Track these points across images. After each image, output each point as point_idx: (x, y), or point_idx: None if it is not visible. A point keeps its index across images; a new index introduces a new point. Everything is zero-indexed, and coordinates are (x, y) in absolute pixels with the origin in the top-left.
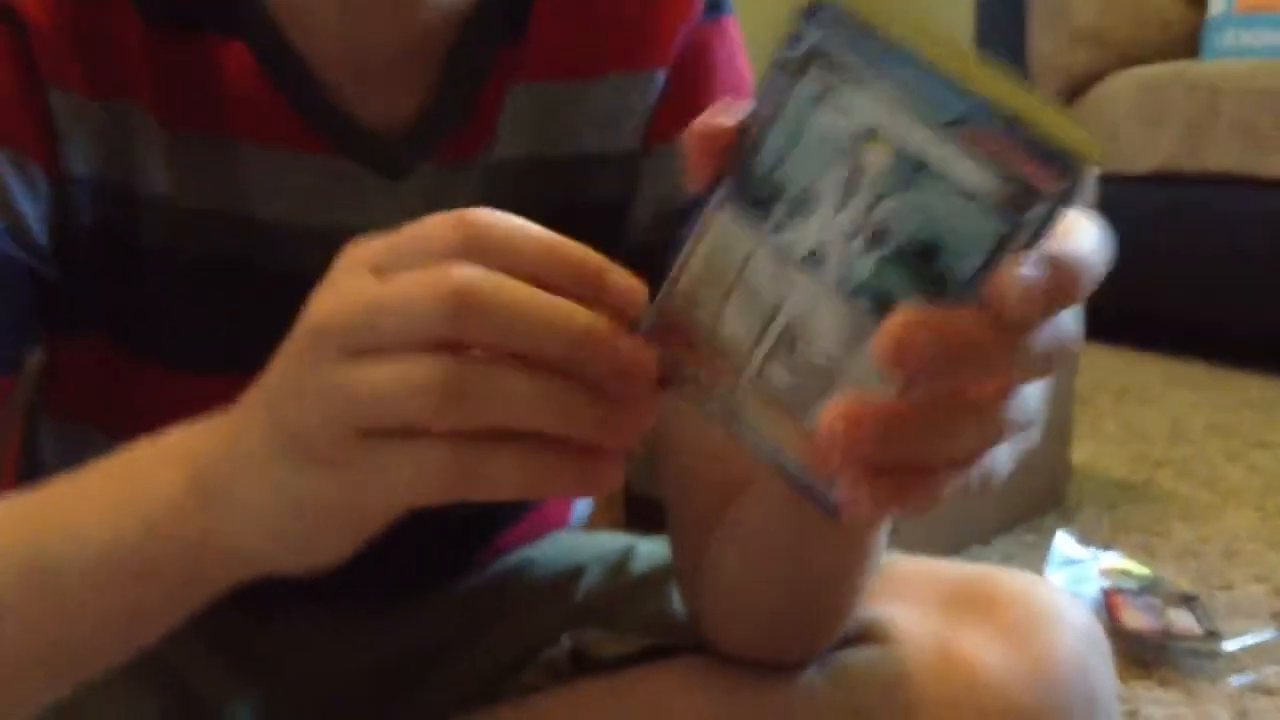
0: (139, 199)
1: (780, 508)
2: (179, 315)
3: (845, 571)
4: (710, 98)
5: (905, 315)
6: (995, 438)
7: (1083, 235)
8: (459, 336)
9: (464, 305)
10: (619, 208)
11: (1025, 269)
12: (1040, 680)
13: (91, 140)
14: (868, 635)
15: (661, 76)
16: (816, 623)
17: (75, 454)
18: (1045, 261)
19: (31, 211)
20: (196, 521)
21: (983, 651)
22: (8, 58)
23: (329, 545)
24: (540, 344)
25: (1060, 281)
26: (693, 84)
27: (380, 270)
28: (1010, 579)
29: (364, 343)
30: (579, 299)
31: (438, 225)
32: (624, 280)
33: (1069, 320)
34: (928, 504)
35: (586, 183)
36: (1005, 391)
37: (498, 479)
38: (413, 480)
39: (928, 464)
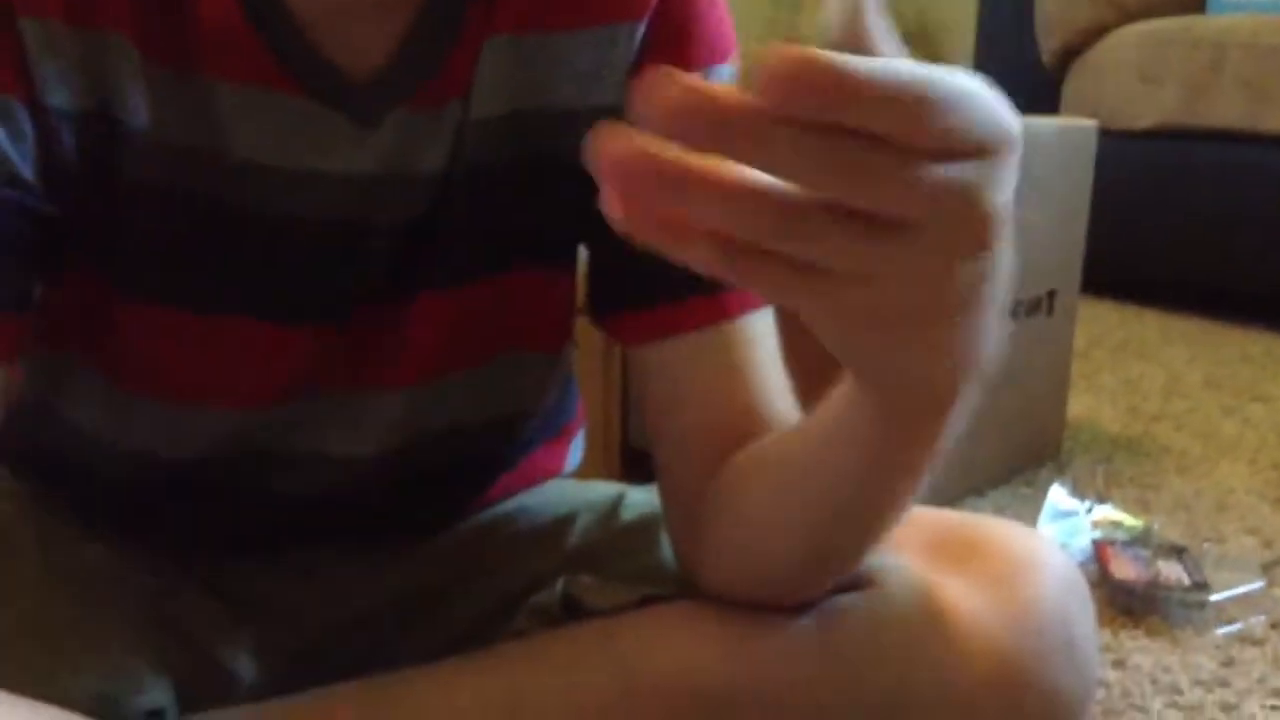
0: (119, 131)
1: (834, 433)
2: (156, 249)
3: (883, 506)
4: (693, 49)
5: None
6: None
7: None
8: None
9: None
10: None
11: (772, 55)
12: (1021, 626)
13: (70, 70)
14: (855, 580)
15: (642, 29)
16: (839, 563)
17: (54, 381)
18: (793, 54)
19: (16, 149)
20: None
21: (966, 598)
22: None
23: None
24: None
25: (813, 76)
26: (672, 36)
27: None
28: (994, 527)
29: None
30: None
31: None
32: None
33: (955, 171)
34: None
35: (566, 137)
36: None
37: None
38: None
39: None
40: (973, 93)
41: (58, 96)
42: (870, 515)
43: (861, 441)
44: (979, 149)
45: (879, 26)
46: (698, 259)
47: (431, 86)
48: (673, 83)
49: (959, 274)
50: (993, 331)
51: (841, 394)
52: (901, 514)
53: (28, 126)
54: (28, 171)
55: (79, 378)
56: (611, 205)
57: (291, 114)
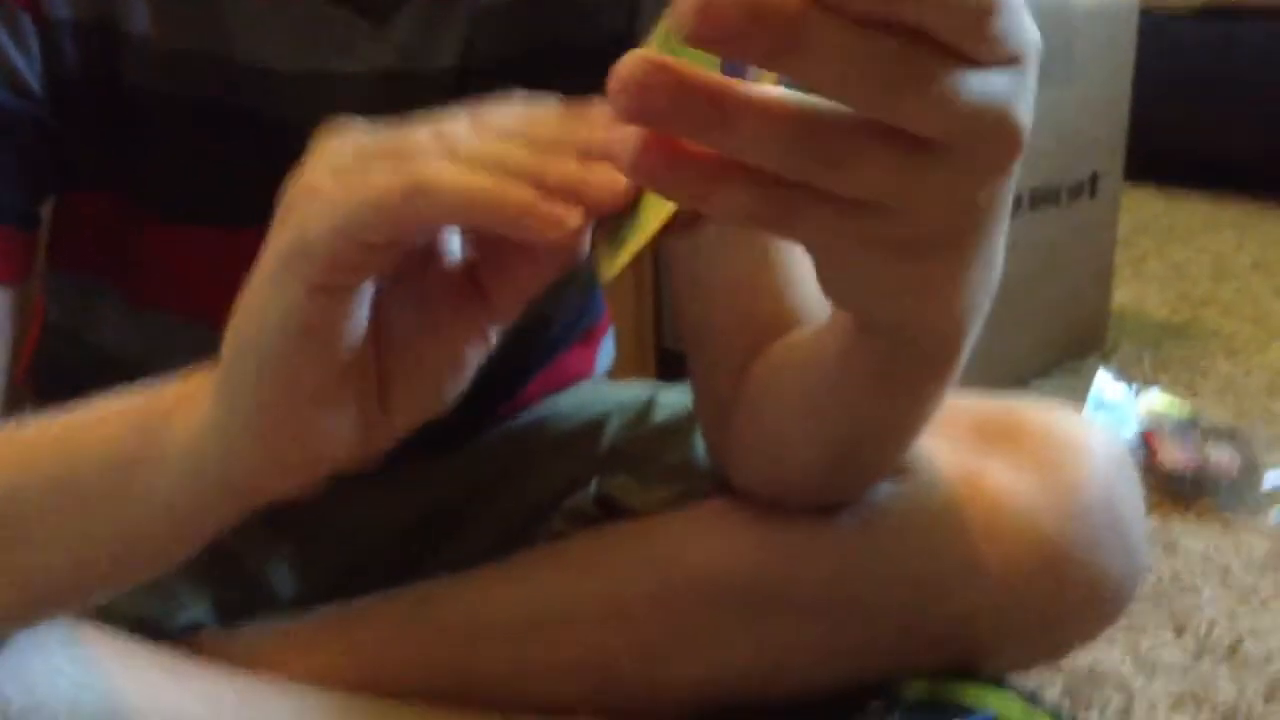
0: (122, 40)
1: (847, 359)
2: (169, 163)
3: (903, 426)
4: None
5: None
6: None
7: None
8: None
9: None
10: (617, 45)
11: None
12: (1067, 509)
13: None
14: (896, 468)
15: None
16: (862, 475)
17: (79, 305)
18: None
19: (24, 61)
20: (215, 471)
21: (1010, 481)
22: None
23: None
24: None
25: None
26: None
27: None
28: (1037, 410)
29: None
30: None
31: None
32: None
33: (985, 81)
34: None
35: (581, 21)
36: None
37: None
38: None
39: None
40: None
41: (62, 7)
42: (889, 432)
43: (871, 372)
44: (1017, 57)
45: None
46: (728, 203)
47: None
48: None
49: (985, 199)
50: (998, 265)
51: (844, 329)
52: (924, 426)
53: (33, 38)
54: (35, 84)
55: (104, 300)
56: (627, 151)
57: (303, 15)
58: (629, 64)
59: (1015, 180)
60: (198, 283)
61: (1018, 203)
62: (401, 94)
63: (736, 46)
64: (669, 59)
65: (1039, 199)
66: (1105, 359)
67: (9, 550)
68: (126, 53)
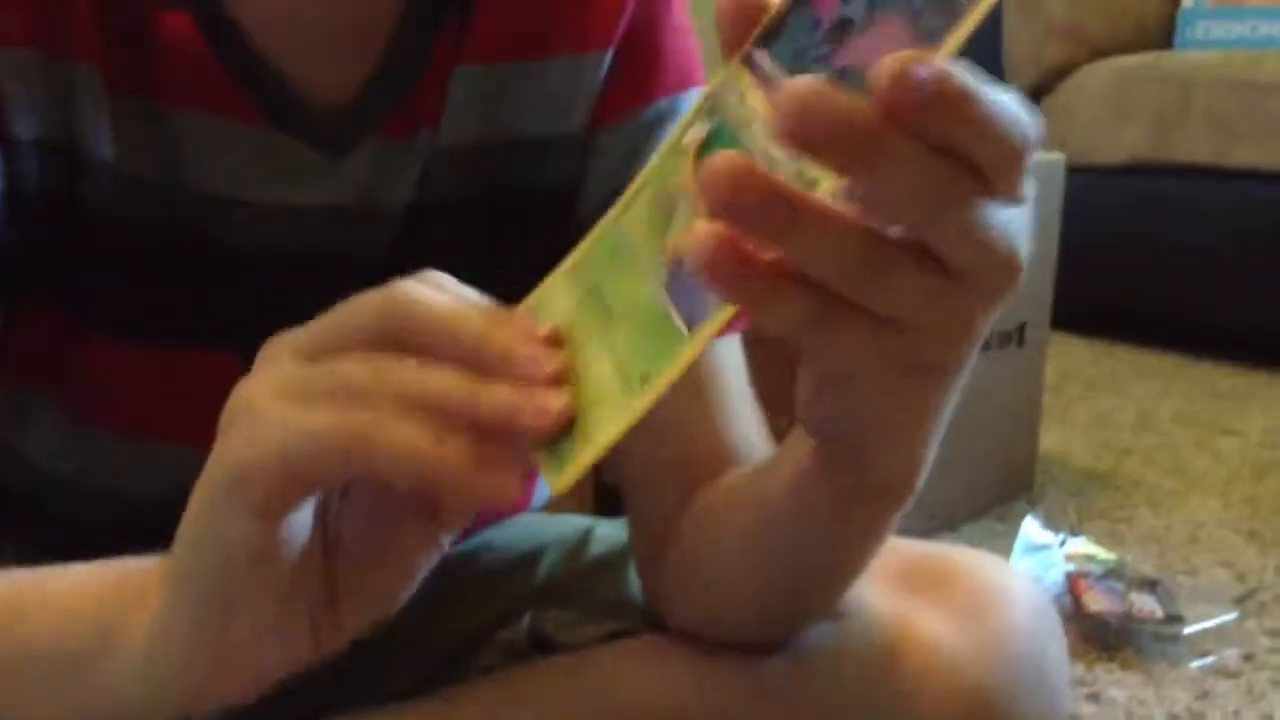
0: (83, 164)
1: (800, 501)
2: (120, 285)
3: (845, 570)
4: (660, 76)
5: (806, 83)
6: (885, 267)
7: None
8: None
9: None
10: (569, 190)
11: (912, 62)
12: (994, 657)
13: (38, 101)
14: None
15: (608, 57)
16: (799, 618)
17: (16, 417)
18: (936, 67)
19: None
20: (166, 679)
21: (938, 628)
22: None
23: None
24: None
25: (948, 91)
26: (640, 63)
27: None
28: (964, 557)
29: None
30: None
31: (361, 309)
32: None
33: (1003, 214)
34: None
35: (534, 165)
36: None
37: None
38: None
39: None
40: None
41: (24, 127)
42: (831, 576)
43: (826, 515)
44: (1025, 196)
45: None
46: (786, 309)
47: (400, 117)
48: (806, 87)
49: (982, 322)
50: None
51: (799, 468)
52: (862, 570)
53: None
54: None
55: (41, 414)
56: (702, 245)
57: (259, 146)
58: (722, 162)
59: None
60: (139, 401)
61: None
62: (355, 229)
63: (819, 153)
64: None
65: None
66: (1032, 504)
67: None
68: (86, 175)
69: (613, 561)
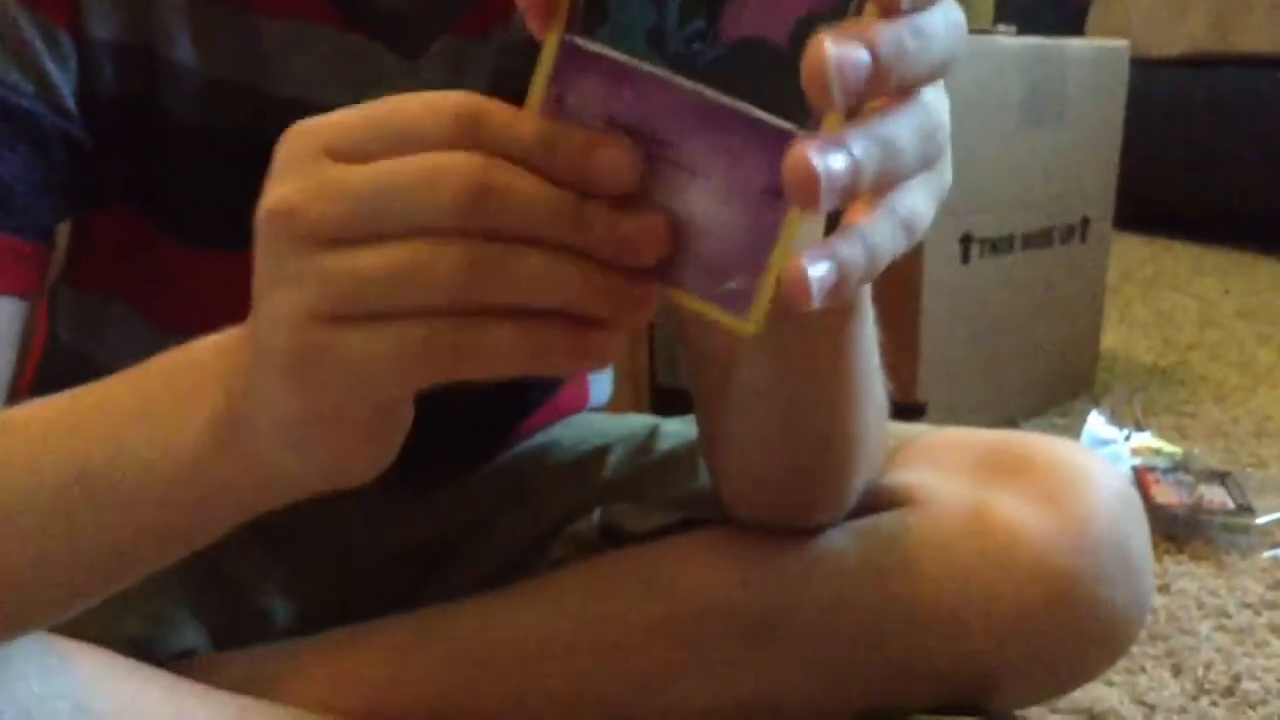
0: (161, 66)
1: (769, 364)
2: (200, 189)
3: (841, 421)
4: None
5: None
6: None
7: None
8: (469, 227)
9: (482, 200)
10: None
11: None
12: (1075, 541)
13: (114, 3)
14: (900, 500)
15: None
16: (825, 479)
17: (94, 326)
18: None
19: (61, 76)
20: (234, 451)
21: (1017, 513)
22: None
23: (358, 458)
24: (551, 232)
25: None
26: None
27: (350, 155)
28: (1044, 443)
29: (350, 231)
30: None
31: (427, 109)
32: (610, 157)
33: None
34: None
35: None
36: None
37: (494, 353)
38: (398, 366)
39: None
40: None
41: (102, 28)
42: (820, 425)
43: (769, 348)
44: None
45: None
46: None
47: (474, 14)
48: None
49: None
50: None
51: None
52: (857, 408)
53: (72, 56)
54: (70, 101)
55: (120, 323)
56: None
57: (337, 48)
58: (828, 47)
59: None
60: (216, 306)
61: (1010, 244)
62: None
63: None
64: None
65: (1031, 240)
66: (1095, 401)
67: (12, 538)
68: (164, 78)
69: (681, 456)
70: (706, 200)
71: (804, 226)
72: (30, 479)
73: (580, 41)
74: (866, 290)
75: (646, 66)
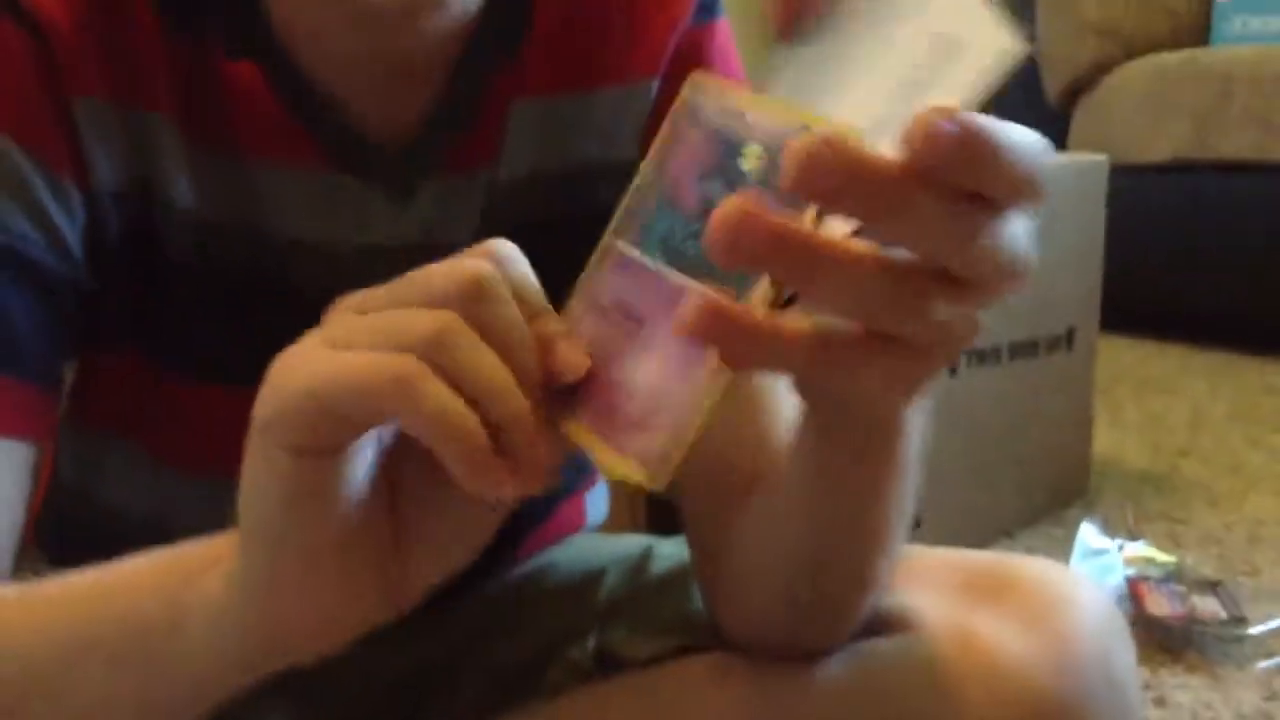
0: (162, 210)
1: (791, 498)
2: (201, 327)
3: (857, 561)
4: None
5: (819, 135)
6: (922, 316)
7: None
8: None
9: (441, 342)
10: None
11: (935, 116)
12: (1060, 663)
13: (117, 150)
14: (888, 623)
15: (656, 85)
16: (832, 620)
17: (95, 462)
18: (958, 117)
19: (68, 226)
20: (239, 633)
21: (1002, 635)
22: (33, 69)
23: (365, 590)
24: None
25: (972, 140)
26: None
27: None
28: (1027, 564)
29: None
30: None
31: (435, 278)
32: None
33: (1015, 227)
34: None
35: (589, 193)
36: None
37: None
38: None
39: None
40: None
41: (106, 178)
42: (849, 543)
43: (813, 469)
44: (1033, 206)
45: None
46: (793, 345)
47: (462, 153)
48: (824, 141)
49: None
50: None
51: (798, 437)
52: (883, 556)
53: (78, 204)
54: (76, 249)
55: (122, 459)
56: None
57: (328, 189)
58: (729, 210)
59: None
60: (218, 441)
61: (996, 355)
62: (422, 265)
63: (833, 202)
64: (762, 209)
65: (1017, 351)
66: (1088, 509)
67: (25, 703)
68: (164, 221)
69: (675, 579)
70: (647, 363)
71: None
72: (44, 639)
73: (619, 244)
74: (914, 433)
75: (651, 263)
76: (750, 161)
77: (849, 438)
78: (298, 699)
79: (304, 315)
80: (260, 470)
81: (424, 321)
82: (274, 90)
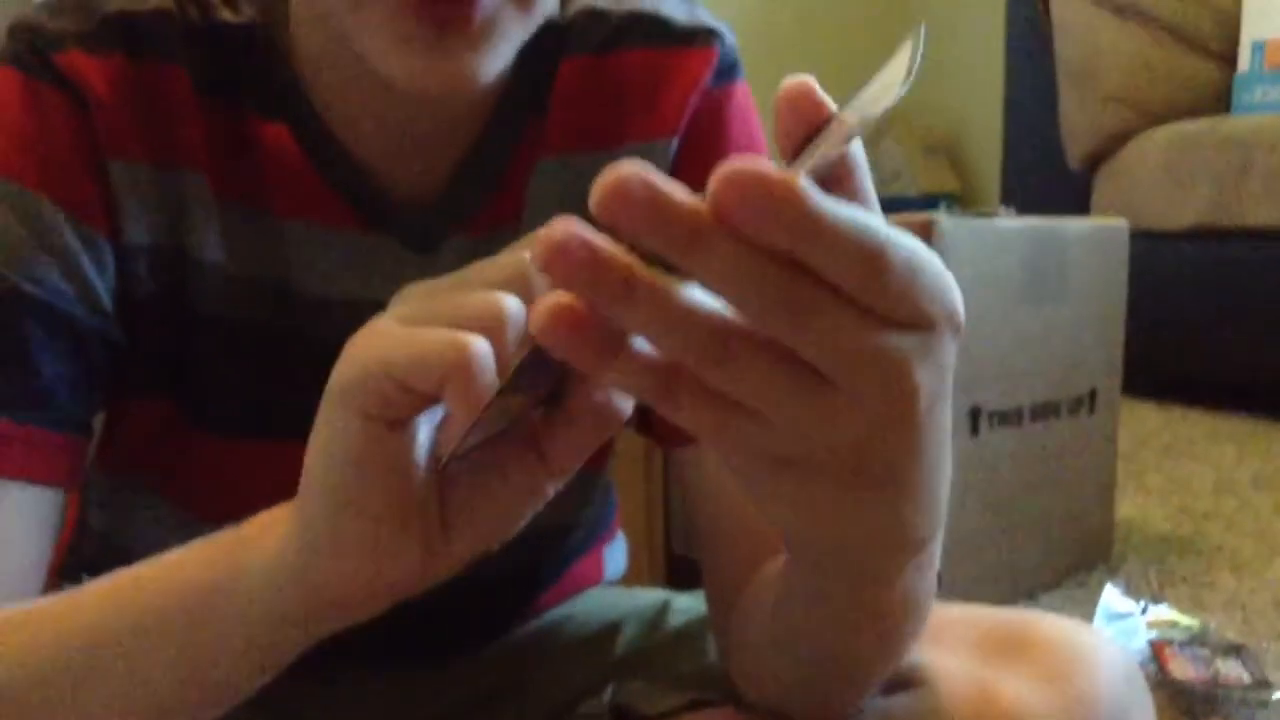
0: (192, 265)
1: (800, 582)
2: (229, 381)
3: (864, 652)
4: (723, 158)
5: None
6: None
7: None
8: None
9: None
10: None
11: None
12: None
13: (150, 209)
14: (906, 680)
15: (675, 144)
16: (852, 686)
17: (122, 510)
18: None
19: (99, 280)
20: (292, 590)
21: (1022, 693)
22: (71, 130)
23: (399, 558)
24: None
25: (777, 196)
26: (706, 148)
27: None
28: (1048, 621)
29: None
30: None
31: (493, 270)
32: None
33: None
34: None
35: None
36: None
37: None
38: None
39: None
40: (929, 263)
41: (138, 232)
42: (854, 656)
43: (809, 595)
44: (922, 322)
45: (861, 169)
46: (622, 378)
47: (487, 212)
48: (632, 174)
49: (880, 443)
50: (931, 507)
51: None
52: (899, 637)
53: (110, 259)
54: (107, 302)
55: (149, 509)
56: (543, 309)
57: (355, 247)
58: (557, 229)
59: (942, 425)
60: (245, 494)
61: (1018, 416)
62: None
63: (640, 233)
64: (590, 234)
65: (1039, 413)
66: (1112, 572)
67: (78, 690)
68: (194, 275)
69: (693, 632)
70: None
71: None
72: (99, 623)
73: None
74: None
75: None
76: None
77: (844, 584)
78: None
79: (329, 368)
80: (333, 435)
81: (485, 301)
82: (304, 152)
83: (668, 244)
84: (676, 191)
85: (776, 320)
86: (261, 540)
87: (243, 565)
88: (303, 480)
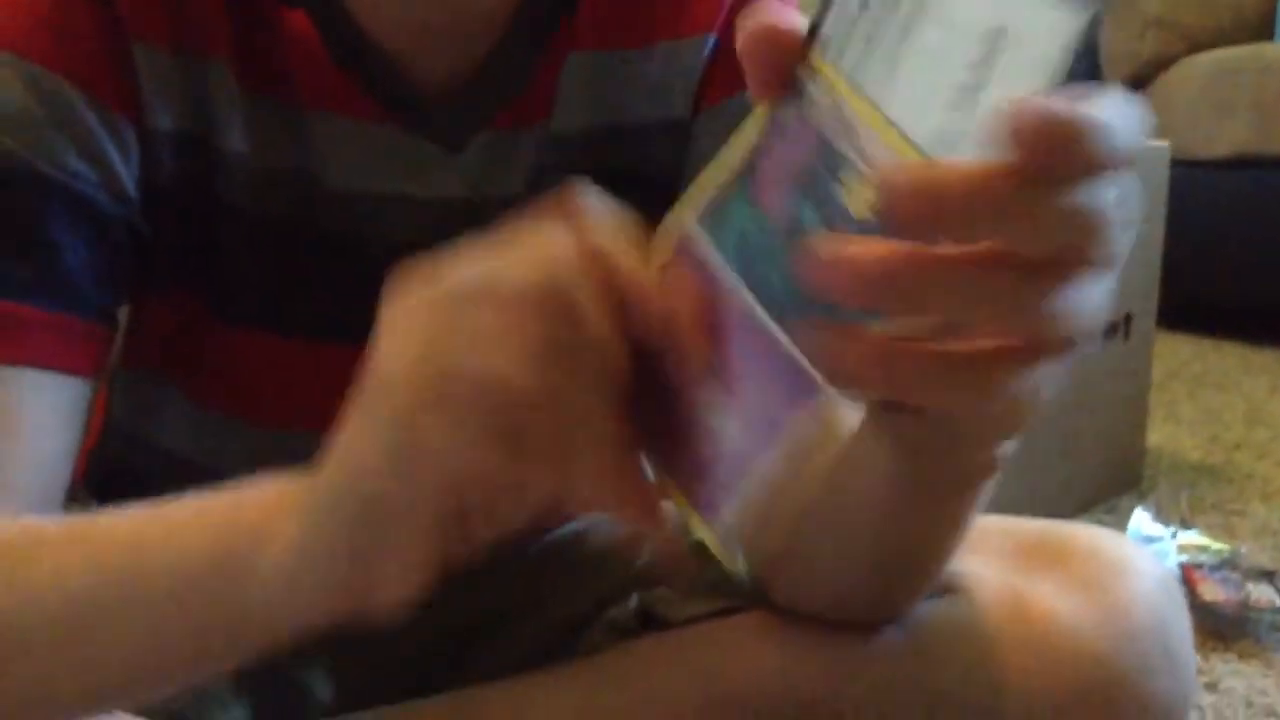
0: (217, 155)
1: (875, 486)
2: (252, 274)
3: (934, 545)
4: None
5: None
6: (1027, 322)
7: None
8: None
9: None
10: (673, 173)
11: (1034, 107)
12: (1116, 629)
13: (174, 96)
14: (943, 586)
15: (711, 40)
16: (901, 593)
17: (146, 406)
18: (1058, 109)
19: (124, 167)
20: (307, 591)
21: (1057, 600)
22: (95, 15)
23: (408, 570)
24: None
25: (1074, 132)
26: None
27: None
28: (1083, 532)
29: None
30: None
31: (522, 277)
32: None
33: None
34: (924, 387)
35: (641, 151)
36: (1045, 271)
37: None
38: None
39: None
40: None
41: (161, 119)
42: (925, 549)
43: (899, 503)
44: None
45: None
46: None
47: (514, 108)
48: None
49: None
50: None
51: (861, 442)
52: (956, 543)
53: (134, 147)
54: (131, 189)
55: (170, 401)
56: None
57: (379, 141)
58: (832, 257)
59: None
60: (264, 390)
61: None
62: (472, 219)
63: (916, 230)
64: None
65: None
66: (1142, 498)
67: (71, 646)
68: (218, 165)
69: None
70: (730, 422)
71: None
72: (90, 580)
73: (695, 230)
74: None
75: (741, 288)
76: (851, 198)
77: (940, 483)
78: (342, 651)
79: (351, 263)
80: (397, 444)
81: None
82: (324, 40)
83: (957, 228)
84: (962, 182)
85: (1072, 241)
86: (267, 546)
87: (248, 559)
88: (324, 482)
